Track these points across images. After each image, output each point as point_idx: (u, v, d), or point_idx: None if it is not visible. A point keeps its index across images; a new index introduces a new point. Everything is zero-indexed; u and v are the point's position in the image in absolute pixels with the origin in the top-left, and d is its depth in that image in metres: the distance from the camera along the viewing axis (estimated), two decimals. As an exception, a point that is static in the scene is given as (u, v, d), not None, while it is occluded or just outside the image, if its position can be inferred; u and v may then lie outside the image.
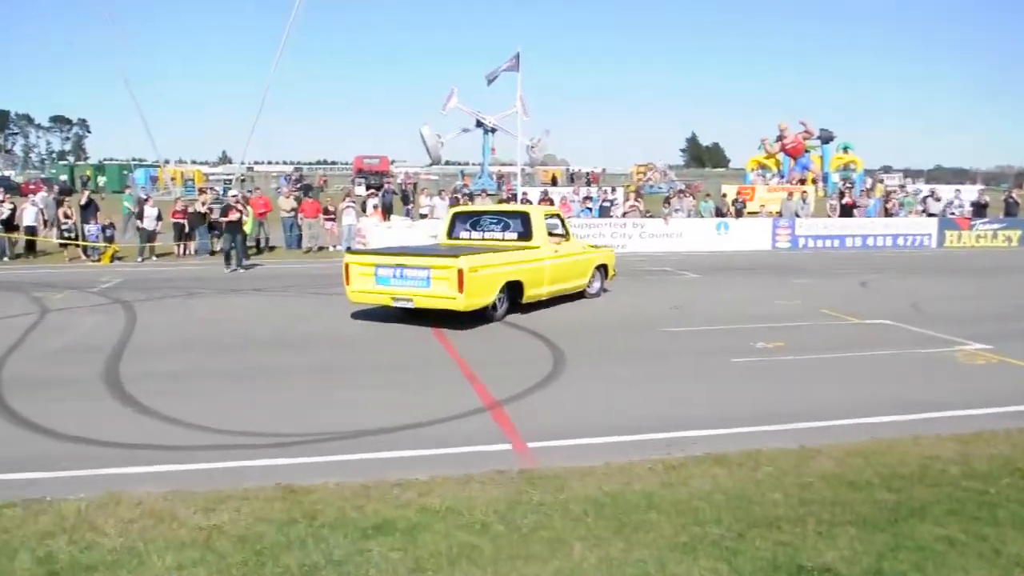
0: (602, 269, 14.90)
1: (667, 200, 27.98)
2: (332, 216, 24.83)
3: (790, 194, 29.43)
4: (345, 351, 10.04)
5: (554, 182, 63.42)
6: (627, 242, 24.98)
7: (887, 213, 28.81)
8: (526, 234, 13.34)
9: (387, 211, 27.70)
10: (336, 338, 10.84)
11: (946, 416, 7.32)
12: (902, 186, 43.96)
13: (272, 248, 24.00)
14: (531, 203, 26.45)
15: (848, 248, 27.25)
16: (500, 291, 12.01)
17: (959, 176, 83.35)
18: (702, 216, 27.22)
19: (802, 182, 47.53)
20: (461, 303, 11.36)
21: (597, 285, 14.76)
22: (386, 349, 10.23)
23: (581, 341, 10.62)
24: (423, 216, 26.69)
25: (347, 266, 12.24)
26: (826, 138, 56.33)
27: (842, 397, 7.91)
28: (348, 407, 7.51)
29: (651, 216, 27.08)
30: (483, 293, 11.63)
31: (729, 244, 26.12)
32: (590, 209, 26.84)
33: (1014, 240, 28.31)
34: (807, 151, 56.65)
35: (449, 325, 11.66)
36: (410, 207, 28.49)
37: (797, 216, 27.51)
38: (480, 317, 11.88)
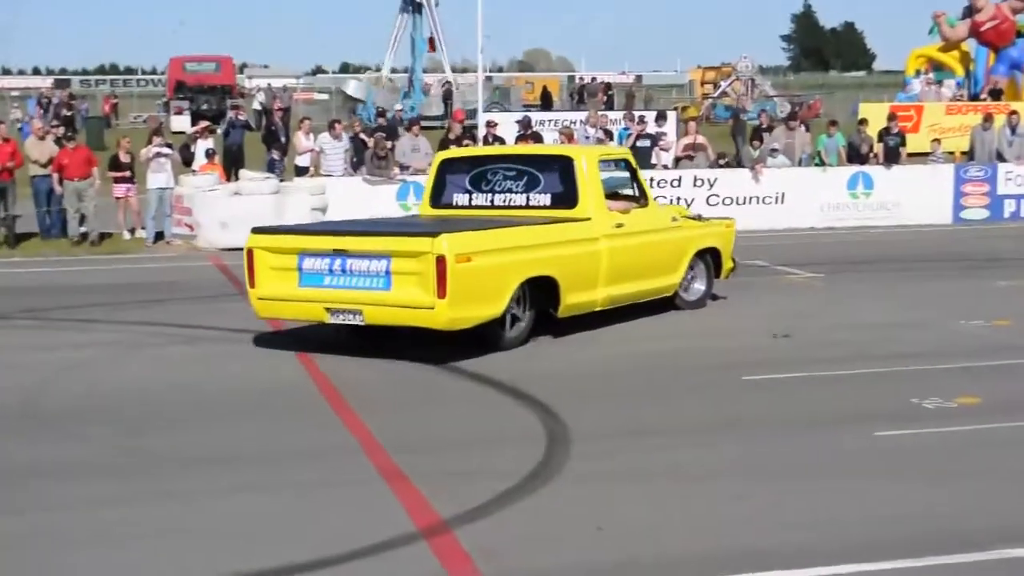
0: (708, 259, 15.69)
1: (758, 133, 28.24)
2: (125, 174, 24.83)
3: (987, 117, 29.76)
4: (145, 427, 10.11)
5: (546, 102, 63.96)
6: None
7: None
8: (567, 196, 14.04)
9: (234, 162, 27.72)
10: (125, 402, 10.94)
11: None
12: None
13: (21, 238, 23.96)
14: (503, 141, 26.70)
15: (1098, 218, 27.67)
16: (516, 295, 12.81)
17: None
18: (822, 163, 27.47)
19: (997, 94, 47.96)
20: (443, 316, 12.08)
21: (700, 287, 15.71)
22: (228, 419, 10.29)
23: (600, 402, 10.78)
24: (301, 171, 26.78)
25: (251, 254, 13.02)
26: (1056, 12, 57.01)
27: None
28: (142, 536, 7.54)
29: (727, 164, 27.27)
30: (484, 299, 12.41)
31: (874, 215, 26.40)
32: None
33: None
34: (1020, 34, 57.21)
35: (359, 369, 11.86)
36: (275, 159, 28.42)
37: (1000, 159, 27.88)
38: (476, 340, 12.69)
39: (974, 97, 47.18)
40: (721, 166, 26.92)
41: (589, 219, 13.85)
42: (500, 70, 61.05)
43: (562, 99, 69.14)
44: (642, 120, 29.61)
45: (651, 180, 25.51)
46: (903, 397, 10.70)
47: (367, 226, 14.08)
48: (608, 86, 69.56)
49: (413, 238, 12.33)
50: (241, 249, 13.31)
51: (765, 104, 52.80)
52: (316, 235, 13.28)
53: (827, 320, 14.92)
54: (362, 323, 12.50)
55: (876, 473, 8.65)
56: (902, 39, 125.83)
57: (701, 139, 27.27)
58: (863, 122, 28.99)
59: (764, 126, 29.15)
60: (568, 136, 27.07)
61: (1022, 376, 11.73)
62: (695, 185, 25.74)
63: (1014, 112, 29.70)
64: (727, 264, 16.03)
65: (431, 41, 59.11)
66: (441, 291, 11.88)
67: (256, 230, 13.52)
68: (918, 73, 52.37)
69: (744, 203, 25.76)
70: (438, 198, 14.86)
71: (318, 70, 57.39)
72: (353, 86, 57.14)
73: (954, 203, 27.04)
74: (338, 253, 12.54)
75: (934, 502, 8.01)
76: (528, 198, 14.26)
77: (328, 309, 12.53)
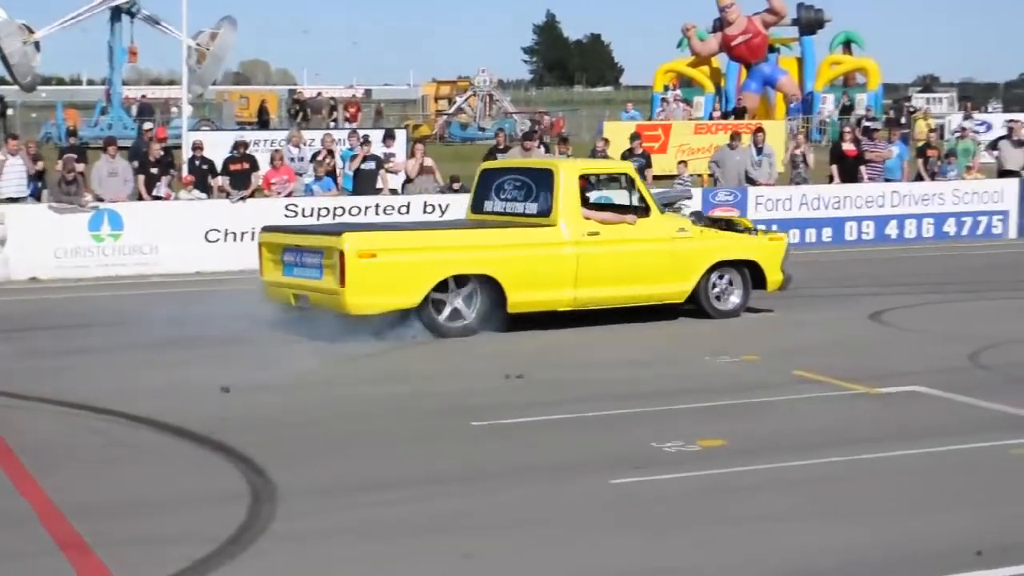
0: (745, 271, 18.07)
1: (494, 153, 28.47)
2: None
3: (735, 136, 30.70)
4: None
5: (263, 121, 63.39)
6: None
7: (926, 171, 30.65)
8: (545, 205, 17.23)
9: None
10: None
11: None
12: (968, 116, 46.99)
13: None
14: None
15: (849, 243, 28.89)
16: (437, 288, 16.24)
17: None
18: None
19: (741, 113, 49.70)
20: (346, 302, 15.75)
21: (736, 299, 18.11)
22: None
23: (313, 453, 10.77)
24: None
25: (261, 247, 17.48)
26: (810, 23, 59.32)
27: (837, 544, 8.31)
28: None
29: (462, 189, 27.47)
30: (393, 290, 15.96)
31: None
32: (332, 178, 26.96)
33: None
34: (773, 49, 59.39)
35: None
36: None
37: (750, 182, 28.80)
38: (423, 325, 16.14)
39: (725, 115, 48.66)
40: (455, 190, 27.04)
41: (555, 225, 16.81)
42: (213, 83, 59.80)
43: (281, 116, 68.67)
44: (367, 140, 29.43)
45: (377, 206, 25.65)
46: (643, 440, 10.91)
47: (326, 226, 19.12)
48: (334, 101, 69.39)
49: (332, 236, 16.20)
50: None
51: (506, 119, 53.42)
52: (294, 234, 17.65)
53: (566, 359, 15.19)
54: (308, 306, 16.29)
55: (611, 523, 8.80)
56: (651, 53, 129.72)
57: (429, 161, 27.34)
58: (605, 142, 29.48)
59: (501, 146, 29.37)
60: (280, 158, 26.88)
61: (768, 415, 12.14)
62: (425, 211, 25.81)
63: (760, 130, 30.49)
64: (772, 277, 18.11)
65: (132, 52, 57.52)
66: (341, 281, 15.51)
67: (264, 228, 18.43)
68: (666, 88, 53.75)
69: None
70: (478, 205, 18.42)
71: (26, 88, 53.92)
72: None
73: (700, 228, 27.67)
74: (298, 248, 16.63)
75: (671, 552, 8.21)
76: (524, 207, 17.46)
77: (294, 294, 16.46)
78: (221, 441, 11.07)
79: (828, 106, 54.04)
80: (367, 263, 15.63)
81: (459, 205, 25.96)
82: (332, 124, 52.06)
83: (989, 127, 46.70)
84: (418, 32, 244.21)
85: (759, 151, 28.74)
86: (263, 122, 61.17)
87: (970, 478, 9.88)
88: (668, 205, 19.13)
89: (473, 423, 11.72)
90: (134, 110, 58.64)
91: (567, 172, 17.27)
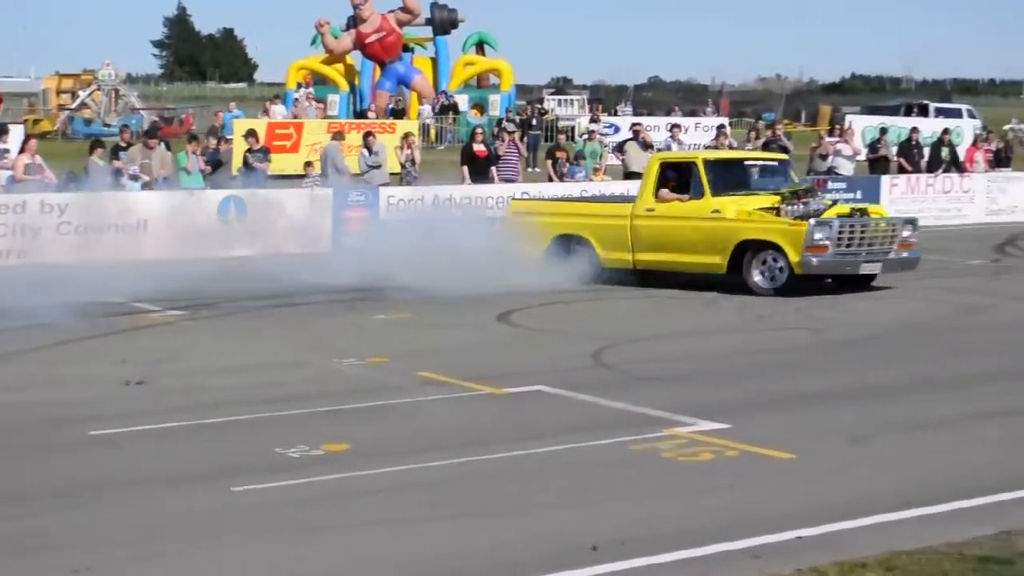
0: (762, 250, 20.37)
1: (116, 151, 27.91)
2: None
3: (337, 135, 31.00)
4: None
5: None
6: (26, 244, 24.72)
7: (555, 173, 31.37)
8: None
9: None
10: None
11: None
12: (595, 119, 48.33)
13: None
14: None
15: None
16: (555, 243, 22.38)
17: (694, 96, 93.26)
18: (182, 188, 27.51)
19: (400, 113, 50.13)
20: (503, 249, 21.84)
21: (778, 280, 20.32)
22: None
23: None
24: None
25: None
26: (444, 23, 59.95)
27: (478, 544, 8.52)
28: None
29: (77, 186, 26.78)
30: (533, 241, 22.18)
31: (250, 243, 26.55)
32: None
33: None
34: (408, 49, 59.78)
35: None
36: None
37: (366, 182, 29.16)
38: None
39: (360, 114, 48.72)
40: (71, 189, 26.31)
41: (631, 202, 22.16)
42: None
43: None
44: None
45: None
46: (267, 446, 10.94)
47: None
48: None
49: None
50: None
51: (130, 118, 52.24)
52: None
53: (189, 364, 14.99)
54: None
55: (235, 531, 8.80)
56: (285, 49, 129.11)
57: (39, 159, 26.55)
58: (222, 142, 29.27)
59: (124, 144, 28.73)
60: None
61: (392, 417, 12.28)
62: (43, 210, 24.95)
63: (369, 134, 30.72)
64: (793, 259, 19.94)
65: None
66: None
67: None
68: (299, 86, 53.54)
69: (101, 231, 25.11)
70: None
71: None
72: None
73: (335, 229, 27.46)
74: None
75: (304, 557, 8.23)
76: None
77: None
78: None
79: (424, 110, 54.90)
80: (515, 220, 23.27)
81: (80, 205, 25.30)
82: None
83: (617, 129, 48.11)
84: (41, 21, 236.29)
85: (370, 151, 29.15)
86: None
87: (590, 475, 10.23)
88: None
89: (90, 433, 11.48)
90: None
91: (654, 160, 22.78)
